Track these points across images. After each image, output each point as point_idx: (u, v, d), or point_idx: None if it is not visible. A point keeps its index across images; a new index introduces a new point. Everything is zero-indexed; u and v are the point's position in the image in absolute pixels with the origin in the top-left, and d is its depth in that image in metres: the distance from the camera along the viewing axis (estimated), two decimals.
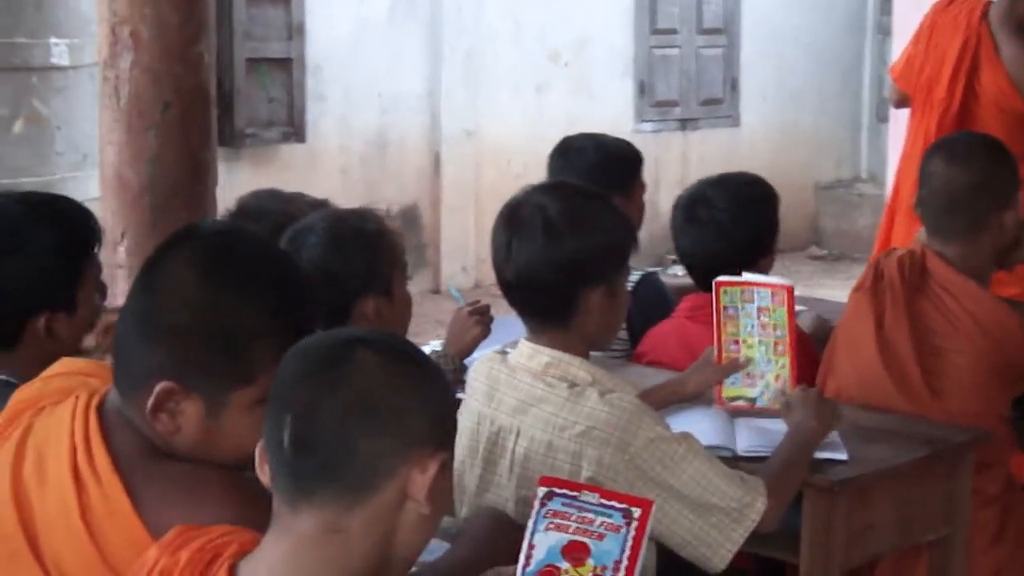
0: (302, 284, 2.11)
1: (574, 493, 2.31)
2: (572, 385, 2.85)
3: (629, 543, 2.21)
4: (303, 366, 1.80)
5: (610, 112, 11.52)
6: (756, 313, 3.28)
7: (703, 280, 3.71)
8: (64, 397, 2.11)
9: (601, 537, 2.24)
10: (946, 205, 3.52)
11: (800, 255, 11.77)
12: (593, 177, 4.10)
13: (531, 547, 2.30)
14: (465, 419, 3.00)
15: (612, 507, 2.26)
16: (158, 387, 2.00)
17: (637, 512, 2.22)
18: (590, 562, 2.22)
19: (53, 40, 7.72)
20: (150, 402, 2.00)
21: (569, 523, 2.28)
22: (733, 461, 3.06)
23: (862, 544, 3.11)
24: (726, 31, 12.15)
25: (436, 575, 2.43)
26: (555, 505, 2.32)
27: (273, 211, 3.53)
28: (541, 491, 2.35)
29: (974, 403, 3.41)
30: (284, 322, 2.02)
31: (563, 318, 2.88)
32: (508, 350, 3.03)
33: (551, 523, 2.31)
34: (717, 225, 3.72)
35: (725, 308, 3.29)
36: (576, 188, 3.04)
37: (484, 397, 2.96)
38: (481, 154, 10.59)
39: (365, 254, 3.13)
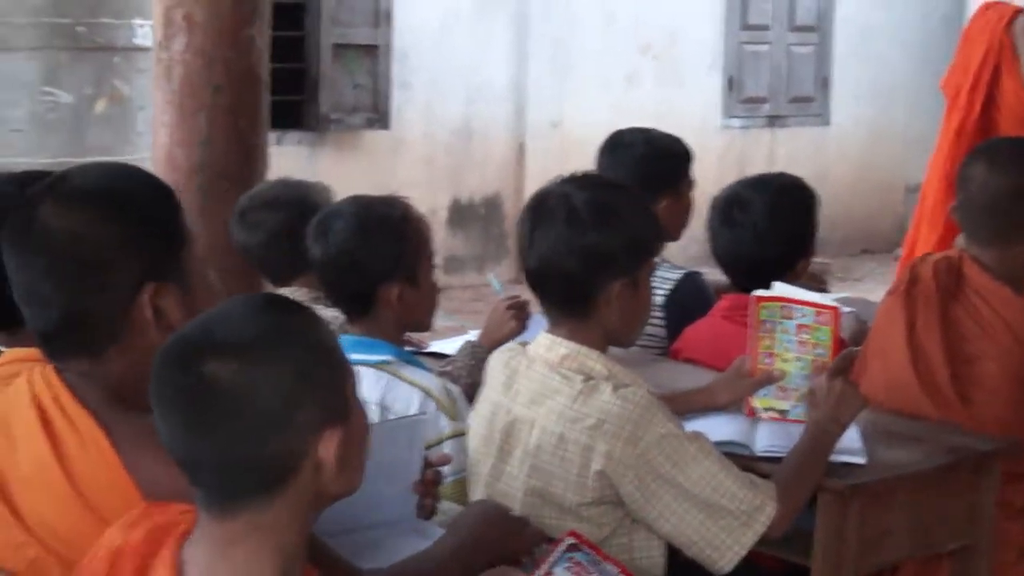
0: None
1: (598, 557, 2.41)
2: (587, 378, 2.86)
3: None
4: (157, 384, 1.84)
5: (698, 106, 11.49)
6: (795, 330, 3.24)
7: (739, 281, 3.70)
8: (12, 379, 2.16)
9: None
10: (984, 210, 3.48)
11: (887, 256, 11.64)
12: (641, 173, 4.10)
13: (549, 573, 2.36)
14: (482, 408, 3.02)
15: None
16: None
17: None
18: None
19: (137, 21, 7.83)
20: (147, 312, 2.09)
21: (586, 575, 2.36)
22: (750, 460, 3.05)
23: (877, 550, 3.08)
24: (818, 29, 12.06)
25: (426, 562, 2.44)
26: (578, 556, 2.42)
27: (288, 200, 3.59)
28: (568, 540, 2.44)
29: (1005, 412, 3.37)
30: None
31: (582, 309, 2.88)
32: (529, 341, 3.05)
33: (571, 567, 2.39)
34: (753, 228, 3.70)
35: (763, 323, 3.26)
36: (603, 180, 3.06)
37: (502, 387, 2.98)
38: (566, 145, 10.58)
39: (390, 241, 3.17)
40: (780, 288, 3.31)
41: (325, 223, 3.19)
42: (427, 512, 2.74)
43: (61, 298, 2.10)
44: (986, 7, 5.31)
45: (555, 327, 2.93)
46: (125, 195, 2.17)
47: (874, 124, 12.28)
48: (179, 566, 1.85)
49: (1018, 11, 5.14)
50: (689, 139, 12.39)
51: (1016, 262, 3.49)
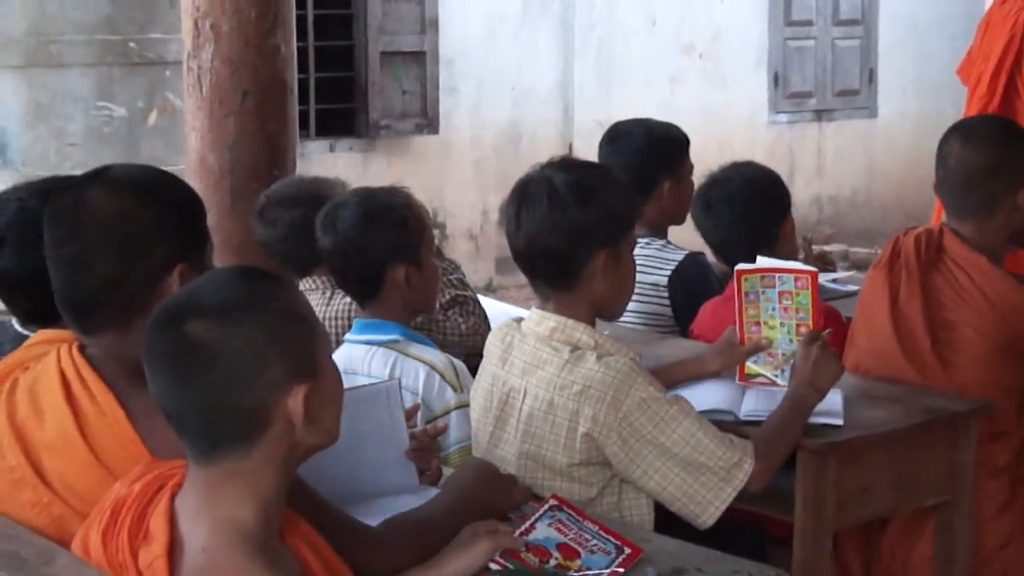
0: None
1: (579, 517, 2.61)
2: (575, 349, 3.07)
3: (616, 566, 2.50)
4: (148, 344, 2.09)
5: (744, 103, 11.65)
6: (778, 297, 3.44)
7: (731, 262, 3.93)
8: (41, 357, 2.44)
9: (592, 552, 2.56)
10: (961, 185, 3.66)
11: None
12: (642, 160, 4.32)
13: (532, 527, 2.56)
14: (482, 380, 3.24)
15: (608, 539, 2.58)
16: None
17: (628, 551, 2.53)
18: (578, 563, 2.51)
19: None
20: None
21: (568, 532, 2.60)
22: (735, 425, 3.25)
23: (857, 505, 3.28)
24: (863, 22, 12.18)
25: (422, 515, 2.64)
26: (560, 516, 2.62)
27: (304, 197, 3.83)
28: (552, 502, 2.63)
29: (982, 375, 3.55)
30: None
31: (569, 283, 3.10)
32: (523, 314, 3.27)
33: (553, 524, 2.59)
34: (728, 206, 3.99)
35: (746, 294, 3.46)
36: (581, 162, 3.26)
37: (499, 360, 3.20)
38: None
39: (394, 227, 3.40)
40: (762, 261, 3.51)
41: (333, 214, 3.44)
42: (433, 479, 2.96)
43: (105, 263, 2.36)
44: None
45: (544, 302, 3.15)
46: (163, 185, 2.47)
47: (921, 116, 12.37)
48: (173, 512, 2.09)
49: None
50: (737, 136, 12.57)
51: (993, 234, 3.66)
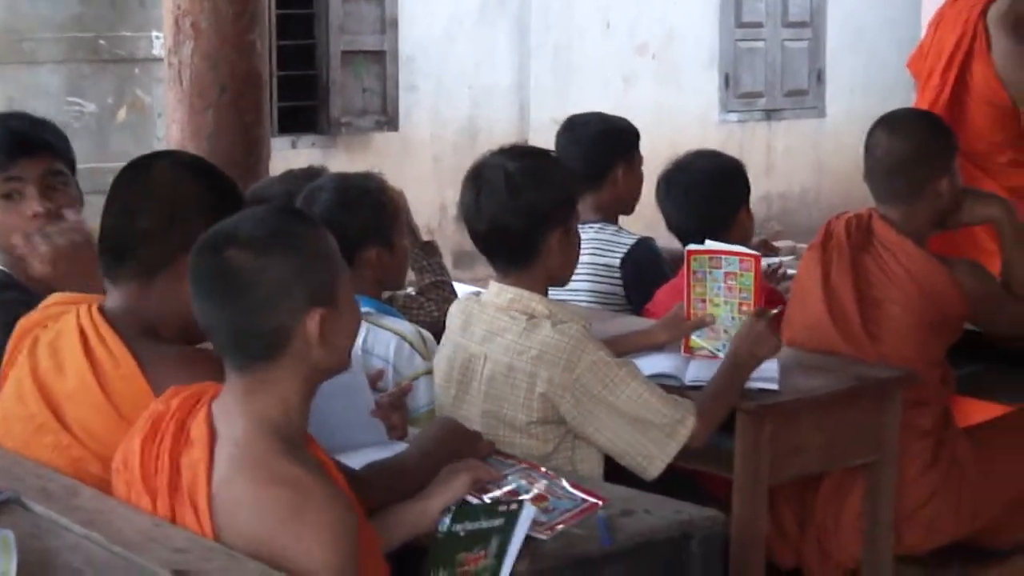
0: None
1: (549, 476, 2.89)
2: (531, 317, 3.37)
3: (580, 505, 2.79)
4: (193, 268, 2.39)
5: (696, 103, 11.96)
6: (723, 277, 3.74)
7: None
8: (61, 316, 2.74)
9: (560, 498, 2.81)
10: (887, 172, 3.97)
11: None
12: (597, 148, 4.63)
13: (504, 477, 2.84)
14: (445, 348, 3.54)
15: (575, 492, 2.84)
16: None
17: (592, 500, 2.80)
18: (547, 506, 2.77)
19: (154, 33, 8.31)
20: None
21: (538, 484, 2.85)
22: (680, 390, 3.54)
23: (791, 462, 3.58)
24: (812, 24, 12.52)
25: (395, 464, 2.91)
26: (533, 473, 2.88)
27: (278, 192, 4.10)
28: (524, 464, 2.91)
29: (906, 348, 3.85)
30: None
31: (526, 259, 3.39)
32: (481, 290, 3.56)
33: (524, 476, 2.87)
34: (686, 195, 4.30)
35: (695, 272, 3.76)
36: (528, 148, 3.56)
37: (460, 329, 3.49)
38: None
39: (368, 209, 3.68)
40: (710, 243, 3.81)
41: (311, 196, 3.72)
42: (399, 434, 3.24)
43: (148, 217, 2.68)
44: None
45: (502, 276, 3.44)
46: (213, 173, 2.84)
47: (868, 116, 12.30)
48: (211, 417, 2.39)
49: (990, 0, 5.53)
50: (689, 134, 12.89)
51: (918, 218, 3.97)
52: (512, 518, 2.58)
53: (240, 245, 2.35)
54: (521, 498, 2.72)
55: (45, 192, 3.27)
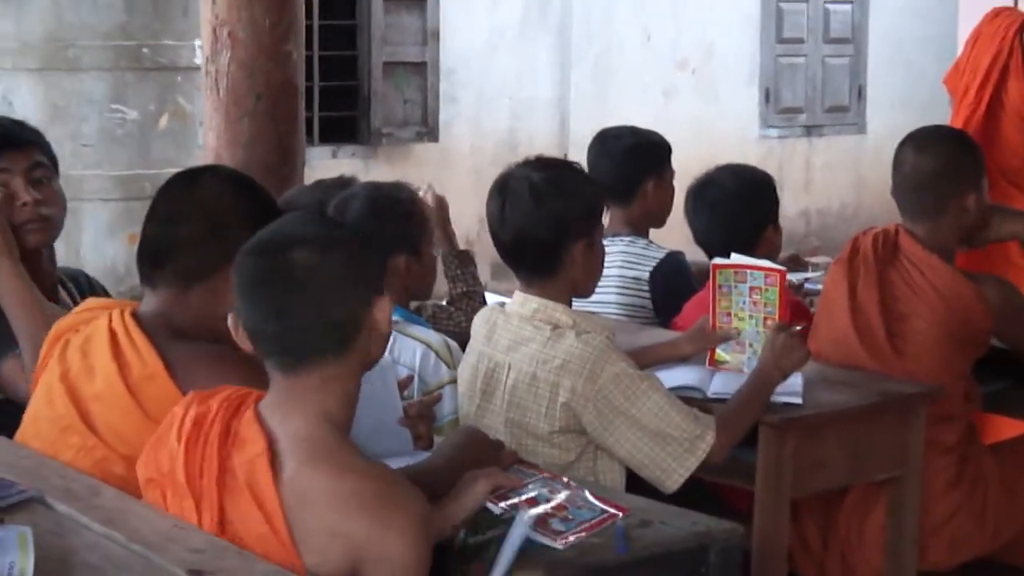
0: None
1: (571, 485, 2.89)
2: (555, 327, 3.40)
3: (600, 515, 2.79)
4: (252, 273, 2.43)
5: (736, 118, 11.96)
6: (748, 292, 3.77)
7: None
8: (93, 320, 2.80)
9: (580, 508, 2.82)
10: (914, 188, 4.00)
11: None
12: (628, 161, 4.66)
13: (525, 484, 2.86)
14: (469, 357, 3.57)
15: (595, 503, 2.83)
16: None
17: (612, 510, 2.80)
18: (566, 515, 2.79)
19: (197, 42, 8.36)
20: None
21: (559, 494, 2.85)
22: (703, 402, 3.57)
23: (813, 477, 3.60)
24: (853, 40, 12.51)
25: (417, 470, 2.91)
26: (554, 483, 2.90)
27: (308, 201, 4.15)
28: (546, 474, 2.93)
29: (932, 363, 3.87)
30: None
31: (550, 270, 3.43)
32: (506, 300, 3.60)
33: (546, 486, 2.89)
34: (712, 210, 4.31)
35: (720, 286, 3.79)
36: (553, 160, 3.59)
37: (484, 338, 3.53)
38: None
39: (398, 219, 3.72)
40: (736, 257, 3.84)
41: (342, 204, 3.76)
42: (425, 444, 3.27)
43: (191, 226, 2.78)
44: (995, 13, 5.71)
45: (526, 286, 3.48)
46: (255, 189, 2.94)
47: (908, 131, 12.62)
48: (260, 417, 2.43)
49: None
50: (728, 150, 12.89)
51: (944, 234, 3.99)
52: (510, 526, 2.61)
53: (303, 244, 2.40)
54: (514, 502, 2.73)
55: (31, 184, 3.41)
